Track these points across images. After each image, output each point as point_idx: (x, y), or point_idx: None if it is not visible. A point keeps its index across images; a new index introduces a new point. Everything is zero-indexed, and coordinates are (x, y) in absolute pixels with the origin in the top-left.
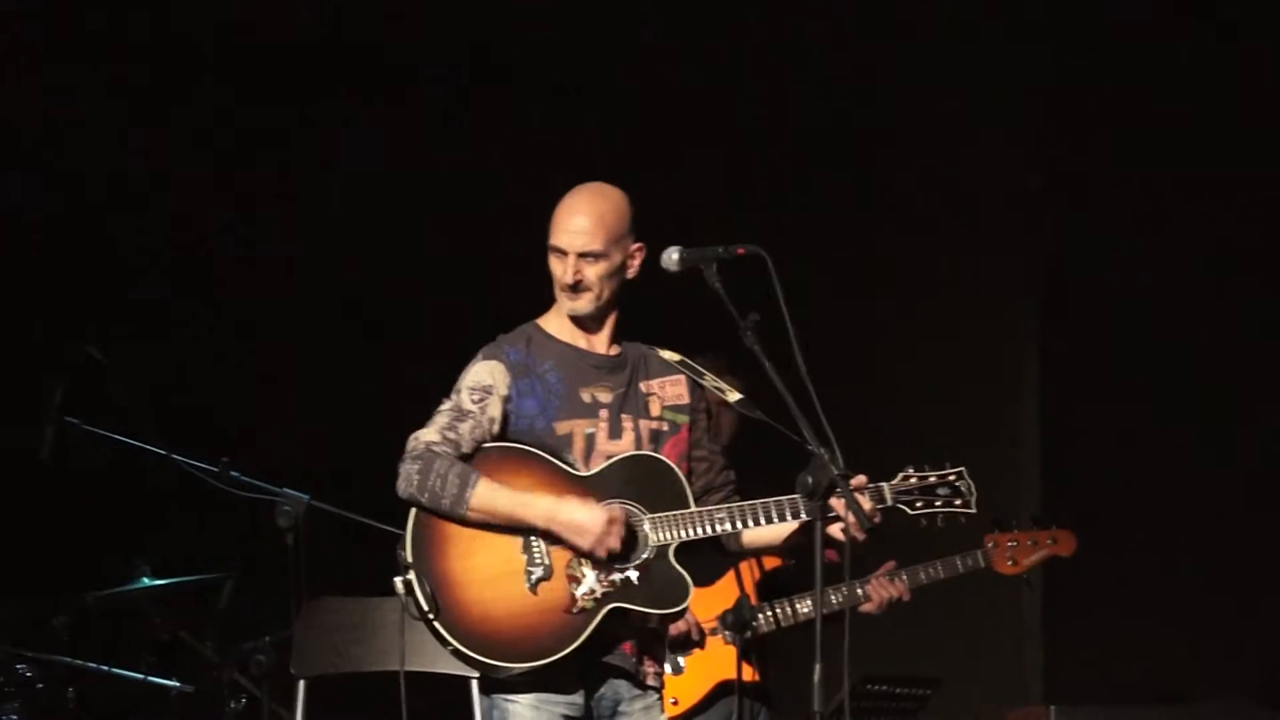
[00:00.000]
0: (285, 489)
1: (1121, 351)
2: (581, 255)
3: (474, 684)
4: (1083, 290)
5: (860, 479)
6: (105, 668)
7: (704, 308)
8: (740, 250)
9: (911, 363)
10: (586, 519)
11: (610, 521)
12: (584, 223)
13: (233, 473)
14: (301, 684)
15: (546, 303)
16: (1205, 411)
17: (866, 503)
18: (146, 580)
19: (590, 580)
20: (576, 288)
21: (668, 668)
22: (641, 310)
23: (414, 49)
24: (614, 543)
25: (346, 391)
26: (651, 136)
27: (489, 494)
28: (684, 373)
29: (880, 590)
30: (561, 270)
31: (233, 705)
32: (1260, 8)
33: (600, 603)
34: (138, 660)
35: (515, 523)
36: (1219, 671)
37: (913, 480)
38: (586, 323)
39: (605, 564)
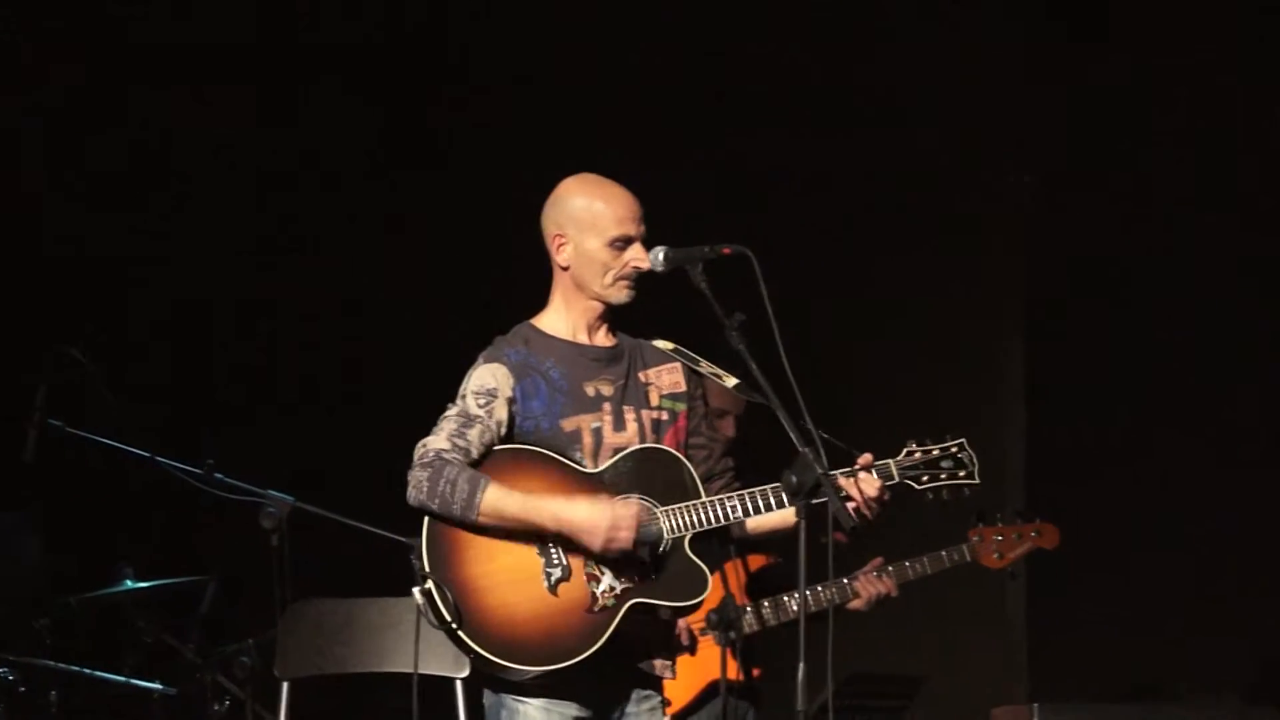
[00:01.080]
0: (270, 490)
1: (1106, 347)
2: (643, 240)
3: (458, 683)
4: (1068, 287)
5: (866, 457)
6: (88, 670)
7: (686, 306)
8: (726, 250)
9: (896, 359)
10: (593, 518)
11: (615, 520)
12: (640, 208)
13: (217, 474)
14: (285, 686)
15: (534, 301)
16: (1190, 408)
17: (876, 482)
18: (130, 583)
19: (609, 578)
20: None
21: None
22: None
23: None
24: (625, 539)
25: (332, 393)
26: (627, 136)
27: (499, 498)
28: (679, 360)
29: (868, 587)
30: (638, 257)
31: (216, 708)
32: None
33: (621, 599)
34: (121, 663)
35: (525, 525)
36: (1204, 668)
37: (917, 455)
38: (591, 317)
39: (622, 561)
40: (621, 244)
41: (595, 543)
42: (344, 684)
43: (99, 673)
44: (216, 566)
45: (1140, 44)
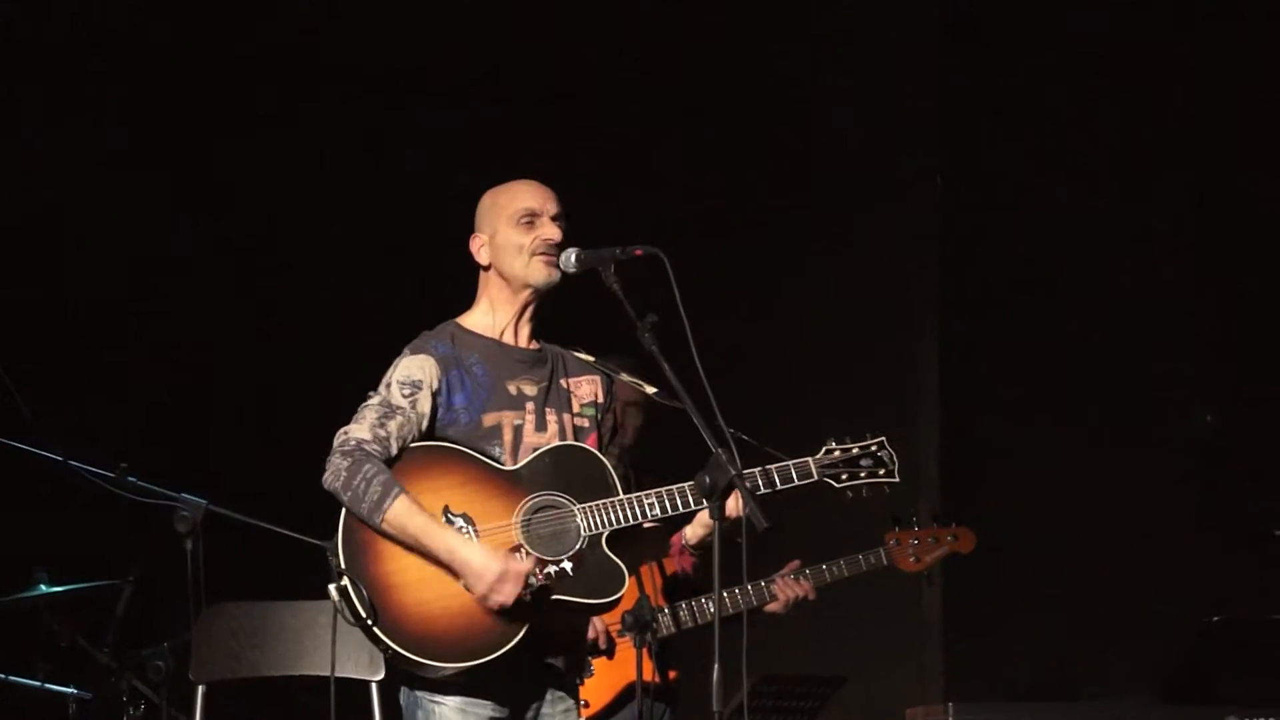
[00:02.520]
0: (183, 494)
1: (1020, 351)
2: (554, 218)
3: (373, 685)
4: (982, 289)
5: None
6: (2, 676)
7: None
8: (638, 251)
9: (811, 362)
10: (482, 565)
11: (504, 574)
12: (549, 192)
13: (130, 478)
14: (200, 689)
15: (459, 304)
16: (1103, 411)
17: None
18: (44, 586)
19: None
20: (562, 245)
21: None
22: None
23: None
24: (504, 598)
25: (246, 395)
26: (550, 134)
27: (405, 512)
28: (598, 374)
29: (786, 589)
30: (546, 229)
31: (131, 712)
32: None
33: (537, 596)
34: (35, 668)
35: (421, 548)
36: (1118, 668)
37: (836, 453)
38: (518, 316)
39: (539, 557)
40: (528, 218)
41: (479, 589)
42: (259, 687)
43: (13, 677)
44: (131, 570)
45: (1052, 41)
